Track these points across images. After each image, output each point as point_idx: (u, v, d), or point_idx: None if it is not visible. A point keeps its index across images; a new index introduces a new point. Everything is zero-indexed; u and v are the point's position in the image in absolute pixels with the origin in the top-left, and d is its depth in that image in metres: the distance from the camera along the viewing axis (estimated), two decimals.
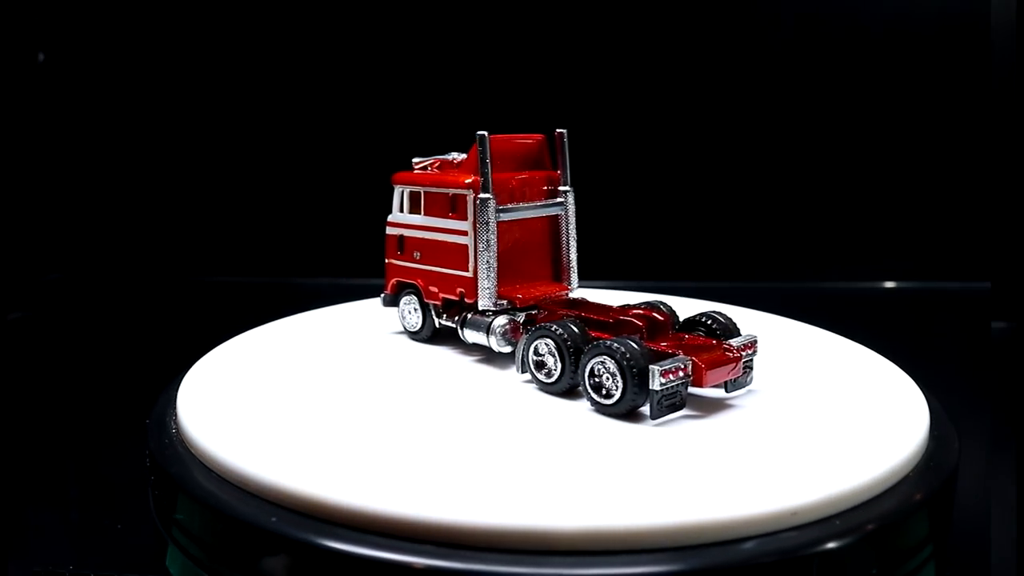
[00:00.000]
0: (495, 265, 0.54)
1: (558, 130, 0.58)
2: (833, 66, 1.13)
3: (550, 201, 0.57)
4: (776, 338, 0.63)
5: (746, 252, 1.17)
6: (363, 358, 0.58)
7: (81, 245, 1.23)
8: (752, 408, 0.48)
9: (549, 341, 0.50)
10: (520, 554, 0.34)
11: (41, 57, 1.19)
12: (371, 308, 0.72)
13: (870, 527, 0.37)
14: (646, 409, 0.46)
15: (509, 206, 0.55)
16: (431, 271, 0.59)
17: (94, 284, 1.20)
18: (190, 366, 0.55)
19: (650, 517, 0.35)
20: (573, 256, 0.58)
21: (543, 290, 0.57)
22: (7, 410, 0.72)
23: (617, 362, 0.45)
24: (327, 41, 1.16)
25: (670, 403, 0.45)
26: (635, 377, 0.45)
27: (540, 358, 0.50)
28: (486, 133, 0.53)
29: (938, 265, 1.15)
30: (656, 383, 0.44)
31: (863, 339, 0.61)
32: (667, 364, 0.45)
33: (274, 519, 0.37)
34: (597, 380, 0.47)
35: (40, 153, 1.19)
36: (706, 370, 0.46)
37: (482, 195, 0.53)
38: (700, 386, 0.46)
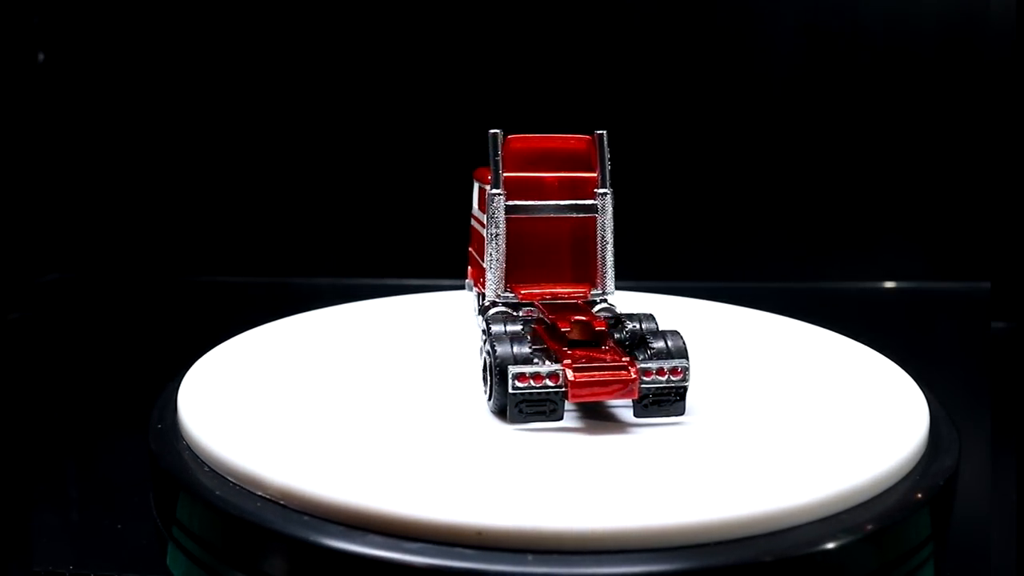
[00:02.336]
0: (498, 259, 0.54)
1: (597, 131, 0.56)
2: (833, 69, 1.13)
3: (580, 202, 0.56)
4: (776, 338, 0.63)
5: (747, 252, 1.17)
6: (364, 358, 0.58)
7: (80, 245, 1.23)
8: (753, 407, 0.48)
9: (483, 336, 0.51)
10: (519, 554, 0.34)
11: (41, 57, 1.19)
12: (371, 308, 0.72)
13: (870, 527, 0.37)
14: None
15: (525, 203, 0.55)
16: (477, 261, 0.60)
17: (93, 284, 1.20)
18: (190, 366, 0.55)
19: (649, 517, 0.35)
20: (608, 260, 0.56)
21: (552, 290, 0.56)
22: (7, 410, 0.72)
23: (491, 358, 0.46)
24: (334, 44, 1.16)
25: (535, 410, 0.44)
26: (499, 376, 0.45)
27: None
28: (499, 131, 0.54)
29: (938, 265, 1.15)
30: (511, 385, 0.44)
31: (863, 339, 0.61)
32: (528, 369, 0.44)
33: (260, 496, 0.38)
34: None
35: (39, 153, 1.19)
36: (572, 385, 0.44)
37: (491, 190, 0.54)
38: (567, 400, 0.44)
